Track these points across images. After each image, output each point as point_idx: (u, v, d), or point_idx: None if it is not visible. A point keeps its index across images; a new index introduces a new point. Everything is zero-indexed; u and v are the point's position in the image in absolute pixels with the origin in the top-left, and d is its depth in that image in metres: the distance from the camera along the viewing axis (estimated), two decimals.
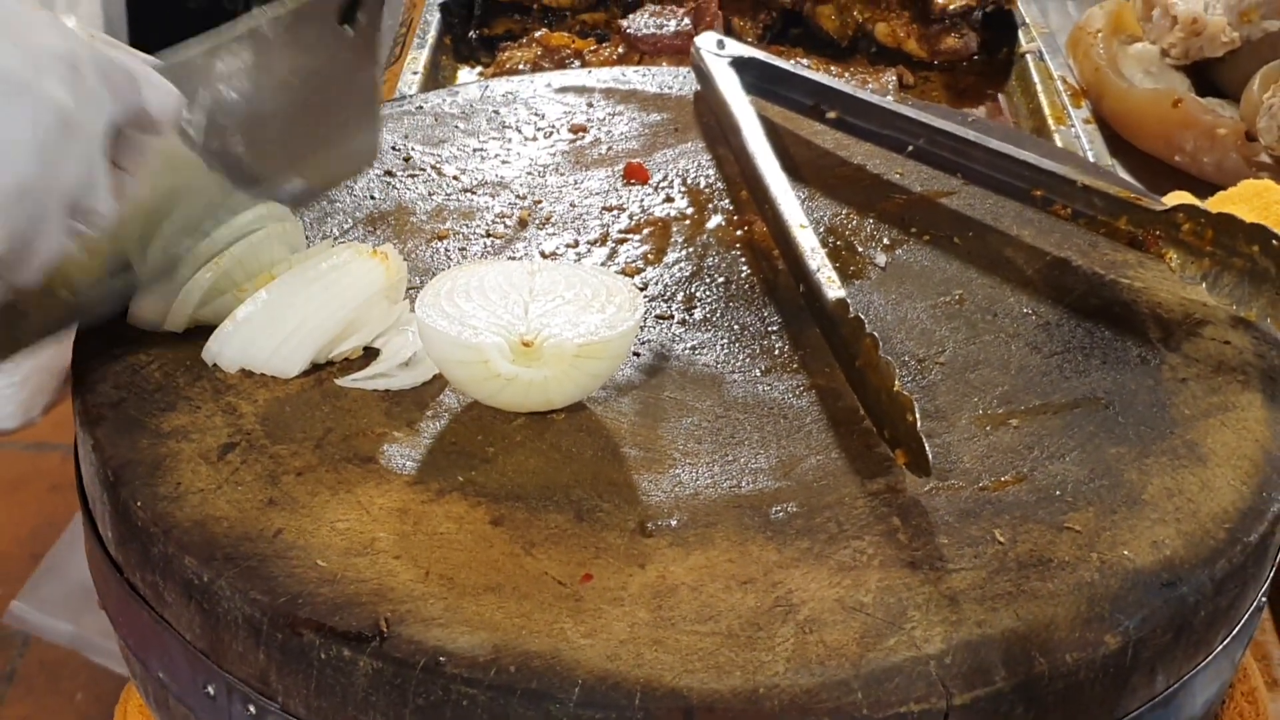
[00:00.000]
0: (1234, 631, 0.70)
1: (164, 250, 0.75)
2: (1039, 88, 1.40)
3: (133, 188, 0.68)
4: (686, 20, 1.35)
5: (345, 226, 0.89)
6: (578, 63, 1.40)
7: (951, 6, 1.46)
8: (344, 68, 0.82)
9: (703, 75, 1.03)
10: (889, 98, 1.30)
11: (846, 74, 1.41)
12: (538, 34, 1.44)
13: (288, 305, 0.76)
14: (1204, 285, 0.83)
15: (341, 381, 0.75)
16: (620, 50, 1.37)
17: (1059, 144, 1.30)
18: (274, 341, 0.75)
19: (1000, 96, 1.48)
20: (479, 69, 1.50)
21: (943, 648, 0.61)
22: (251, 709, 0.65)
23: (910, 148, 0.96)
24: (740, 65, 1.02)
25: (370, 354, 0.78)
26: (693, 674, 0.59)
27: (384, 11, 1.58)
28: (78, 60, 0.61)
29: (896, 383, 0.70)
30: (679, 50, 1.33)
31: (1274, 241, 0.80)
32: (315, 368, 0.77)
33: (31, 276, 0.64)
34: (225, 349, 0.76)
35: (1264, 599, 0.73)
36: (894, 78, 1.42)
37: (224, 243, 0.78)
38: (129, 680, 0.89)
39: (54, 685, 1.77)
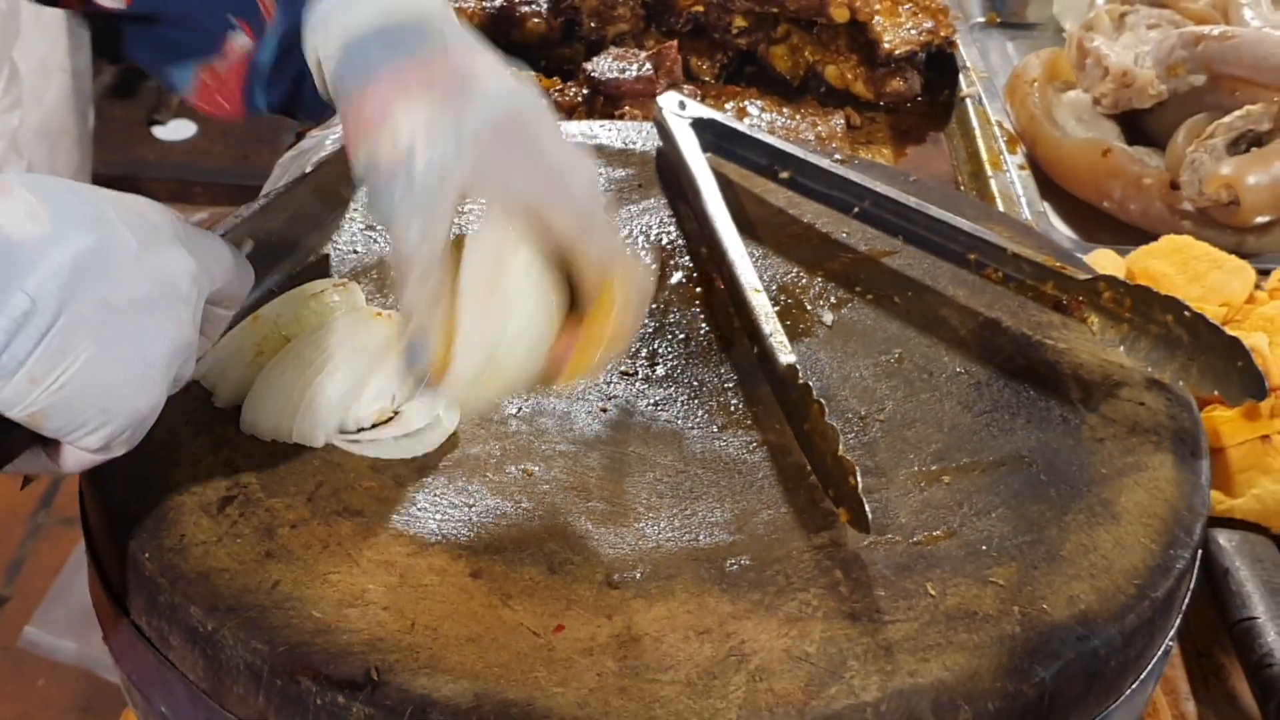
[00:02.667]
0: (1142, 676, 0.77)
1: None
2: (977, 132, 1.48)
3: (207, 350, 0.75)
4: (648, 65, 1.42)
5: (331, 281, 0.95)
6: None
7: (897, 51, 1.53)
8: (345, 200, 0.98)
9: (665, 134, 1.10)
10: (835, 143, 1.37)
11: (797, 115, 1.48)
12: None
13: (304, 371, 0.80)
14: (1122, 349, 0.90)
15: (337, 442, 0.80)
16: (585, 91, 1.44)
17: (994, 189, 1.38)
18: (295, 408, 0.79)
19: (942, 137, 1.56)
20: None
21: (878, 696, 0.68)
22: None
23: (856, 209, 1.03)
24: (700, 126, 1.09)
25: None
26: None
27: None
28: (197, 278, 0.68)
29: (840, 447, 0.76)
30: (640, 93, 1.40)
31: (1186, 313, 0.87)
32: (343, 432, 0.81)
33: (134, 444, 0.69)
34: (259, 417, 0.80)
35: (1171, 644, 0.81)
36: (842, 120, 1.49)
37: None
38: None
39: (17, 670, 1.80)
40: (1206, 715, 0.92)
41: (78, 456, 0.66)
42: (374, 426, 0.81)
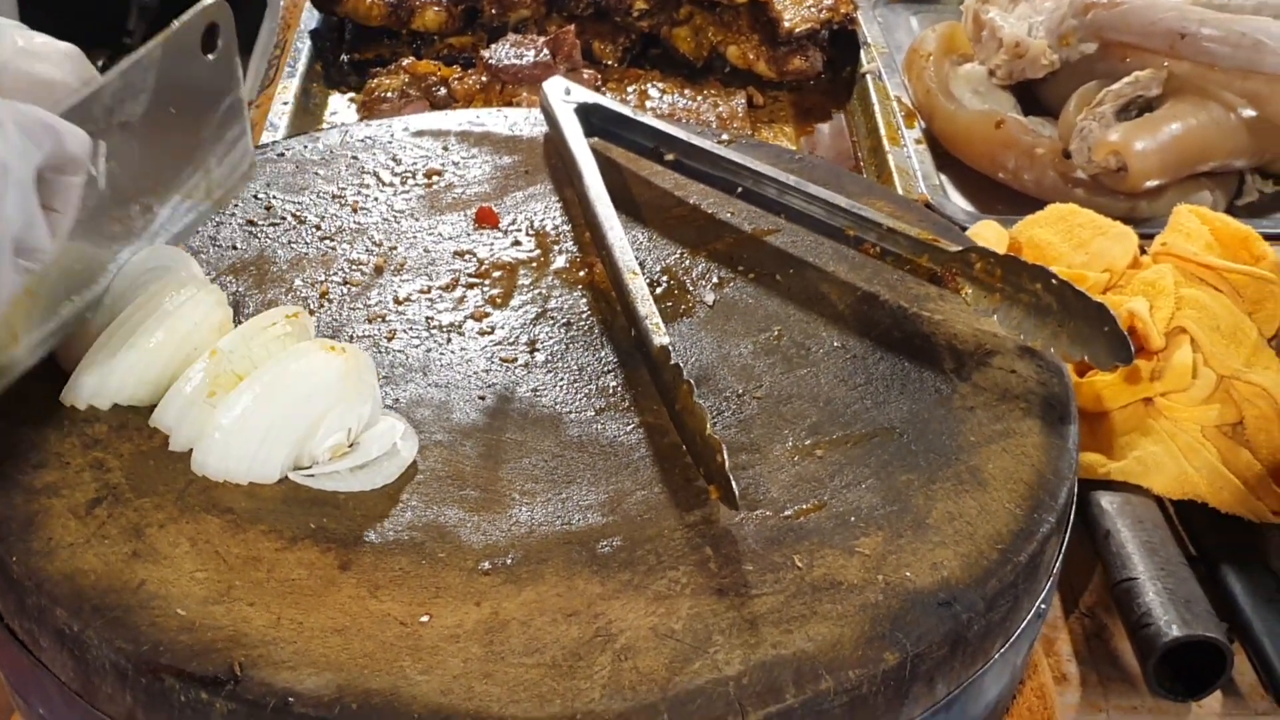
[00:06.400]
0: (1011, 640, 0.78)
1: (53, 306, 0.81)
2: (877, 108, 1.49)
3: (64, 224, 0.74)
4: (546, 51, 1.42)
5: (209, 277, 0.95)
6: (444, 90, 1.46)
7: (797, 30, 1.54)
8: (211, 91, 0.90)
9: (550, 119, 1.10)
10: (736, 124, 1.38)
11: (699, 96, 1.49)
12: (405, 62, 1.49)
13: (259, 411, 0.78)
14: (996, 318, 0.92)
15: (294, 478, 0.79)
16: (484, 79, 1.44)
17: (892, 164, 1.39)
18: (251, 449, 0.78)
19: (843, 114, 1.57)
20: (350, 94, 1.55)
21: (741, 669, 0.69)
22: None
23: (740, 189, 1.04)
24: (585, 111, 1.09)
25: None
26: (517, 704, 0.67)
27: (262, 35, 1.62)
28: (0, 118, 0.68)
29: (709, 426, 0.77)
30: (538, 79, 1.40)
31: (1053, 280, 0.89)
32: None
33: None
34: (210, 459, 0.78)
35: (1044, 606, 0.82)
36: (744, 100, 1.49)
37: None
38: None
39: None
40: (1089, 676, 0.94)
41: None
42: (330, 460, 0.80)
